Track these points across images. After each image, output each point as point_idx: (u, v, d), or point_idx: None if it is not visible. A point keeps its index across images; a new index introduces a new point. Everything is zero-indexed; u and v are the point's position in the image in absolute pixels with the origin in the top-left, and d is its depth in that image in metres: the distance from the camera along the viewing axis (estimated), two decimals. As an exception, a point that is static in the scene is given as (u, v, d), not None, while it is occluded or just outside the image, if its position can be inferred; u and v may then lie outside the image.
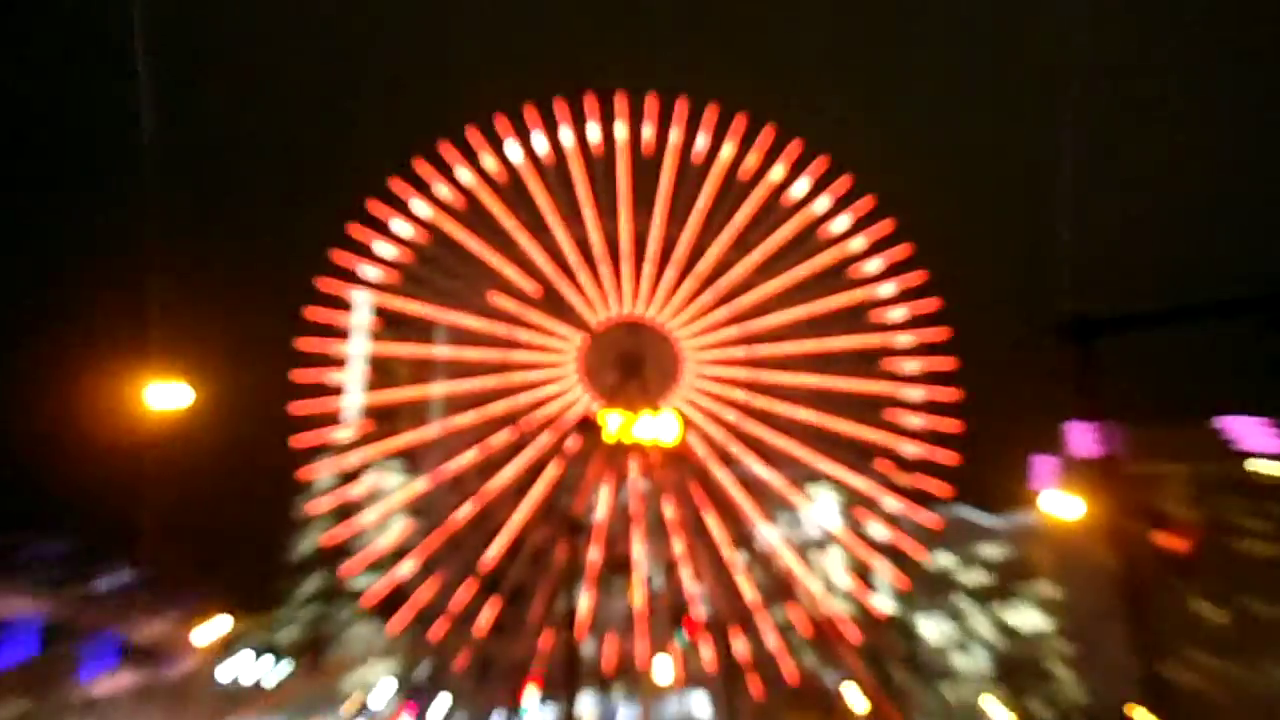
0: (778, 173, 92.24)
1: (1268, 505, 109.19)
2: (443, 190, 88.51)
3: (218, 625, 77.79)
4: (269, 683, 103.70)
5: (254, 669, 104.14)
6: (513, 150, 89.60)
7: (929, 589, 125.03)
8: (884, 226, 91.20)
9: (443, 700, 71.47)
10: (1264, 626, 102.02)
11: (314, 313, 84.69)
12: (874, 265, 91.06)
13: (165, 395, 28.59)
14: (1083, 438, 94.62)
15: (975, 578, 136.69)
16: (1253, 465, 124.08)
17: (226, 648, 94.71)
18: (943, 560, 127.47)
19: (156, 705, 75.14)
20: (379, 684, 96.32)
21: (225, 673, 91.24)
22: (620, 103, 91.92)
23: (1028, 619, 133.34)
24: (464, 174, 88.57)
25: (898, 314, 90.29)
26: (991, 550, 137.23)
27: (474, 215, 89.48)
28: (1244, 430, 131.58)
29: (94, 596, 71.27)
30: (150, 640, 76.71)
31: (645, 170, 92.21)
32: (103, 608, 66.34)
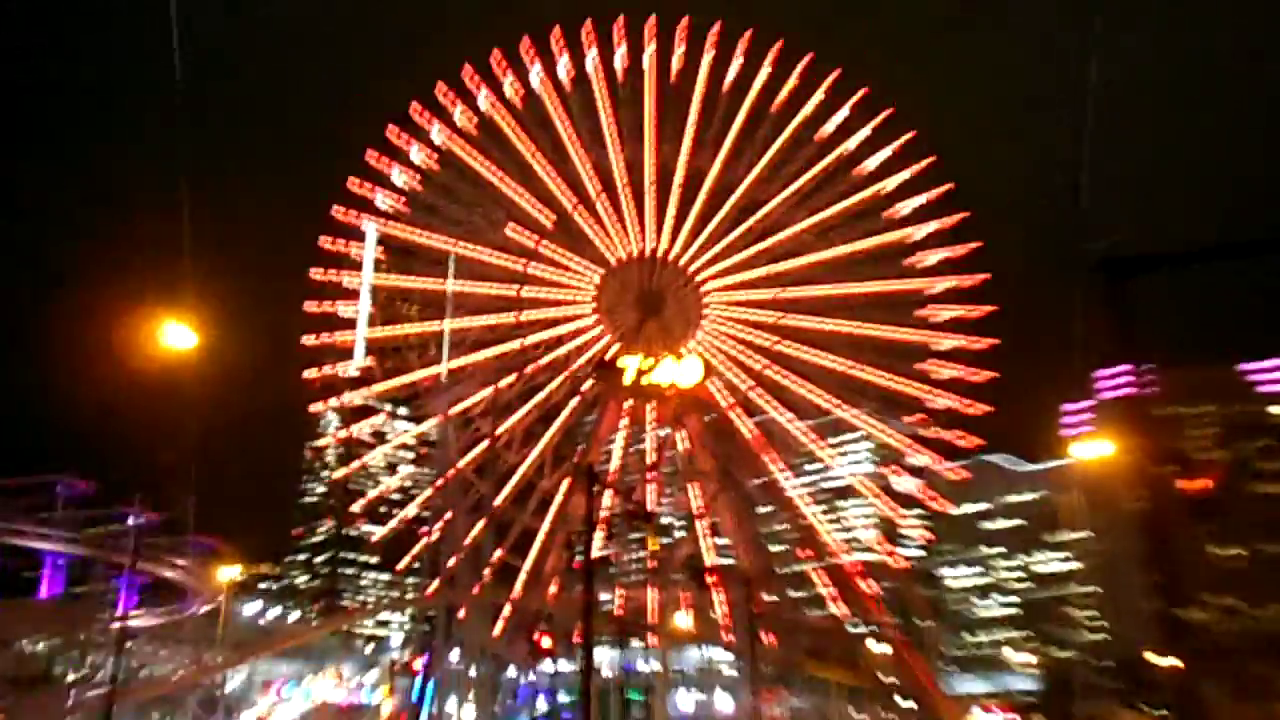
0: (814, 104, 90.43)
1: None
2: (461, 117, 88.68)
3: (234, 568, 79.61)
4: (285, 627, 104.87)
5: (270, 612, 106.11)
6: (535, 76, 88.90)
7: (957, 537, 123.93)
8: (922, 164, 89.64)
9: (455, 652, 69.73)
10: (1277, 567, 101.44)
11: (327, 242, 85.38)
12: (910, 206, 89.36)
13: (176, 337, 29.06)
14: (1113, 381, 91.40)
15: (1003, 525, 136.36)
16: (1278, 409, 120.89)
17: (243, 590, 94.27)
18: (971, 508, 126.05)
19: (178, 643, 78.60)
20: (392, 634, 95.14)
21: (243, 615, 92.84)
22: (650, 26, 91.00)
23: (1052, 565, 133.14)
24: (483, 100, 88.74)
25: (933, 258, 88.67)
26: (1020, 498, 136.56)
27: (492, 143, 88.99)
28: (1272, 373, 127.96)
29: (116, 536, 73.65)
30: (170, 580, 78.83)
31: (673, 97, 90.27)
32: (124, 548, 68.49)
